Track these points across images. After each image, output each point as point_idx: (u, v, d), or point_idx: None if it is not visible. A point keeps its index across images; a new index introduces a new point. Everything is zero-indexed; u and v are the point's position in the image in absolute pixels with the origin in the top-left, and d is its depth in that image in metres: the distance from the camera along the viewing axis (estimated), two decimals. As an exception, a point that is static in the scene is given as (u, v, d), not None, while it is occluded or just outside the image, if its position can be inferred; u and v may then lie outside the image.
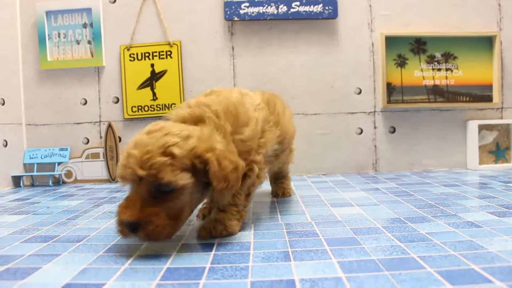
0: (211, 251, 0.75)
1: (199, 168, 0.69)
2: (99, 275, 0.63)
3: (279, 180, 1.24)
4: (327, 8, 1.70)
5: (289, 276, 0.60)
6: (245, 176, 0.80)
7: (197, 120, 0.77)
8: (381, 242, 0.76)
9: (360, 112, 1.74)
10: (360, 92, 1.74)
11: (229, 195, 0.77)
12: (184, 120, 0.77)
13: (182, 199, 0.70)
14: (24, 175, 1.74)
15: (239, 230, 0.84)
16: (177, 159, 0.66)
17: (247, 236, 0.84)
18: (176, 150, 0.67)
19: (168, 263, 0.68)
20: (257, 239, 0.81)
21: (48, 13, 1.75)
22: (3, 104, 1.69)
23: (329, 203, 1.14)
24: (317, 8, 1.70)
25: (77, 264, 0.69)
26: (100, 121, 1.76)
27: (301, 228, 0.89)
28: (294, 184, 1.50)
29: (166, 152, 0.66)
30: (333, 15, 1.70)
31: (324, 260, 0.67)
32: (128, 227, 0.66)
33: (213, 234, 0.80)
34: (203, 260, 0.70)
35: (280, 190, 1.23)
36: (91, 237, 0.87)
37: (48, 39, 1.76)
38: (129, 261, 0.69)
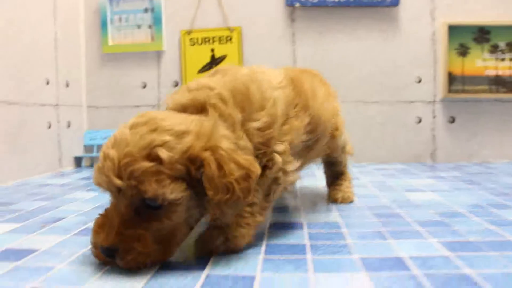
0: (302, 229, 0.75)
1: (196, 175, 0.52)
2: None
3: (335, 180, 1.00)
4: (389, -5, 1.68)
5: (394, 254, 0.61)
6: (264, 168, 0.62)
7: (201, 108, 0.59)
8: (472, 225, 0.75)
9: (419, 101, 1.72)
10: (420, 81, 1.72)
11: (234, 212, 0.57)
12: (184, 109, 0.60)
13: (175, 218, 0.53)
14: (85, 156, 1.77)
15: (248, 242, 0.63)
16: (166, 165, 0.50)
17: (336, 216, 0.85)
18: (163, 154, 0.50)
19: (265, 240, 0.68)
20: (345, 220, 0.81)
21: (110, -2, 1.78)
22: (67, 86, 1.73)
23: (400, 188, 1.14)
24: (379, -5, 1.68)
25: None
26: (158, 105, 1.78)
27: (385, 210, 0.89)
28: (354, 170, 1.50)
29: (151, 155, 0.50)
30: (395, 2, 1.69)
31: (423, 240, 0.67)
32: (103, 252, 0.52)
33: (210, 248, 0.60)
34: (301, 237, 0.70)
35: (339, 194, 0.96)
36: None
37: (110, 23, 1.78)
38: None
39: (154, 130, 0.52)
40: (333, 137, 0.88)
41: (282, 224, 0.78)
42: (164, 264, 0.57)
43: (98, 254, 0.54)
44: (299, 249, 0.64)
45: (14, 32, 1.40)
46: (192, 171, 0.52)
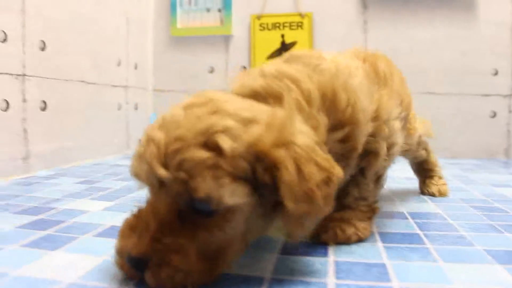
0: (407, 218, 0.73)
1: (263, 177, 0.40)
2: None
3: (424, 174, 0.95)
4: (467, -18, 1.61)
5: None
6: (366, 155, 0.57)
7: (275, 99, 0.47)
8: None
9: (495, 95, 1.66)
10: (496, 73, 1.65)
11: (312, 224, 0.48)
12: (253, 96, 0.48)
13: (229, 229, 0.41)
14: (151, 138, 1.80)
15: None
16: (228, 158, 0.39)
17: (435, 207, 0.82)
18: (226, 143, 0.39)
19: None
20: (446, 212, 0.79)
21: (181, -19, 1.78)
22: (136, 68, 1.75)
23: (486, 183, 1.10)
24: (457, -17, 1.62)
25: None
26: (226, 91, 1.78)
27: (483, 204, 0.86)
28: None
29: (209, 143, 0.39)
30: (473, -10, 1.62)
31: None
32: (130, 262, 0.41)
33: (340, 239, 0.58)
34: (410, 227, 0.69)
35: (434, 188, 0.92)
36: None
37: (180, 6, 1.79)
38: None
39: (215, 113, 0.40)
40: (408, 132, 0.77)
41: (384, 213, 0.76)
42: (283, 249, 0.57)
43: (123, 265, 0.42)
44: (415, 238, 0.62)
45: (89, 14, 1.42)
46: (259, 172, 0.40)
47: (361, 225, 0.59)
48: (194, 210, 0.40)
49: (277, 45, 1.73)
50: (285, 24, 1.72)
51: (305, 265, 0.51)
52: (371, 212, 0.61)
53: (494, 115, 1.66)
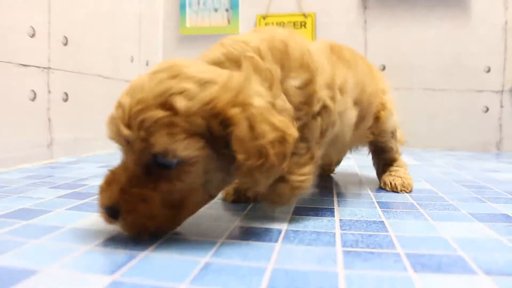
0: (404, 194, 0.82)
1: (218, 133, 0.45)
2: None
3: (388, 167, 0.88)
4: (462, -16, 1.71)
5: (500, 212, 0.67)
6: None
7: (235, 64, 0.52)
8: None
9: (488, 91, 1.75)
10: (488, 71, 1.75)
11: (267, 181, 0.49)
12: (216, 63, 0.52)
13: (188, 180, 0.46)
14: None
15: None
16: (182, 116, 0.43)
17: (424, 184, 0.91)
18: (180, 103, 0.43)
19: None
20: (436, 188, 0.88)
21: (190, -18, 1.88)
22: (147, 64, 1.84)
23: (477, 169, 1.19)
24: (452, -15, 1.71)
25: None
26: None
27: (472, 183, 0.94)
28: (425, 155, 1.55)
29: (166, 104, 0.43)
30: (468, -8, 1.71)
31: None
32: (106, 211, 0.46)
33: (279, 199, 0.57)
34: (406, 198, 0.77)
35: (397, 180, 0.82)
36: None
37: (189, 6, 1.88)
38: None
39: (175, 77, 0.45)
40: (379, 117, 0.80)
41: (380, 189, 0.85)
42: (297, 210, 0.66)
43: (103, 215, 0.47)
44: (410, 205, 0.71)
45: (107, 13, 1.52)
46: (214, 128, 0.44)
47: (299, 178, 0.56)
48: (157, 164, 0.45)
49: (281, 43, 1.82)
50: (289, 24, 1.82)
51: (315, 221, 0.60)
52: (311, 155, 0.58)
53: (487, 110, 1.76)
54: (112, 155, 1.39)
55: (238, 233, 0.54)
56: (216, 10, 1.86)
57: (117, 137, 0.46)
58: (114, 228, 0.52)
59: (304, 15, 1.80)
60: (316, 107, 0.56)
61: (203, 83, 0.45)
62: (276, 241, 0.50)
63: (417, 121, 1.77)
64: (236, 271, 0.40)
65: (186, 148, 0.43)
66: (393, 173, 0.85)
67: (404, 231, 0.55)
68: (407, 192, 0.81)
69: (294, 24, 1.80)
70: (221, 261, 0.43)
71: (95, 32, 1.43)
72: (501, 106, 1.75)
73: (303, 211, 0.66)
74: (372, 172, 0.98)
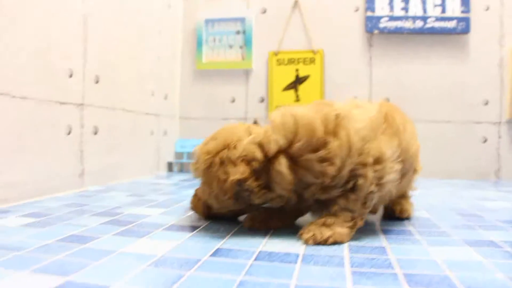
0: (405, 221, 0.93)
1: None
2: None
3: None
4: (460, 24, 1.84)
5: (488, 238, 0.77)
6: (355, 177, 0.70)
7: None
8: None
9: (486, 122, 1.86)
10: (486, 103, 1.86)
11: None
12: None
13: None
14: (176, 162, 2.01)
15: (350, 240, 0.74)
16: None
17: (423, 213, 1.01)
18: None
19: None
20: (433, 216, 0.98)
21: (207, 21, 2.03)
22: (166, 98, 1.97)
23: (473, 198, 1.29)
24: (451, 24, 1.85)
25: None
26: (246, 118, 2.00)
27: (466, 212, 1.04)
28: (426, 184, 1.66)
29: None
30: (466, 30, 1.84)
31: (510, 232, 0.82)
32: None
33: (318, 240, 0.70)
34: (404, 225, 0.87)
35: (397, 206, 0.92)
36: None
37: (205, 43, 2.03)
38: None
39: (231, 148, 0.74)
40: (415, 171, 0.91)
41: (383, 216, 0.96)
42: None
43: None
44: (407, 232, 0.82)
45: (131, 53, 1.66)
46: None
47: (340, 230, 0.71)
48: None
49: (292, 78, 1.96)
50: (299, 60, 1.95)
51: (328, 247, 0.71)
52: (353, 223, 0.72)
53: (485, 140, 1.87)
54: (133, 184, 1.51)
55: (264, 256, 0.65)
56: (231, 46, 2.00)
57: None
58: (158, 251, 0.63)
59: (313, 52, 1.93)
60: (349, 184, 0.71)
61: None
62: (295, 262, 0.61)
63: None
64: (267, 286, 0.51)
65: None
66: (396, 200, 0.92)
67: (402, 254, 0.66)
68: (401, 218, 0.92)
69: (304, 60, 1.93)
70: (253, 278, 0.54)
71: (122, 70, 1.57)
72: (499, 137, 1.85)
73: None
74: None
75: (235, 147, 0.72)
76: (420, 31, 1.85)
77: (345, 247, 0.71)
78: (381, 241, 0.74)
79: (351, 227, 0.72)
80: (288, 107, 0.73)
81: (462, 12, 1.84)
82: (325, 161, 0.68)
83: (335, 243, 0.70)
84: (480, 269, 0.59)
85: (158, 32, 1.85)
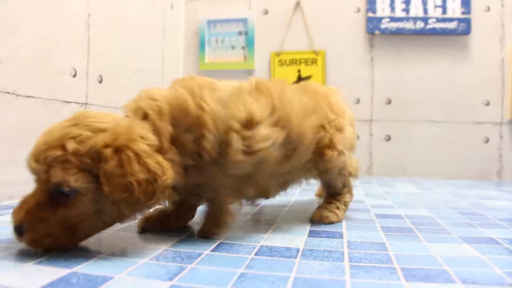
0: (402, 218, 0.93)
1: (98, 170, 0.56)
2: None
3: (327, 199, 0.91)
4: (461, 25, 1.85)
5: (487, 235, 0.78)
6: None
7: (143, 116, 0.64)
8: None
9: (487, 122, 1.87)
10: (488, 104, 1.87)
11: (132, 213, 0.61)
12: (133, 115, 0.65)
13: (81, 207, 0.57)
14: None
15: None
16: (73, 156, 0.55)
17: (425, 211, 1.02)
18: (70, 145, 0.55)
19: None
20: (434, 214, 0.99)
21: (209, 22, 2.04)
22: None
23: (474, 197, 1.30)
24: (452, 25, 1.86)
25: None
26: (248, 117, 2.01)
27: (467, 210, 1.05)
28: (427, 184, 1.67)
29: (63, 145, 0.55)
30: (466, 31, 1.85)
31: (509, 229, 0.83)
32: (15, 230, 0.57)
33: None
34: (404, 222, 0.88)
35: (316, 213, 0.87)
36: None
37: (208, 44, 2.04)
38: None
39: (75, 125, 0.57)
40: (324, 154, 0.80)
41: (386, 215, 0.97)
42: (311, 233, 0.78)
43: (14, 233, 0.57)
44: (408, 230, 0.83)
45: (135, 53, 1.67)
46: (96, 166, 0.55)
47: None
48: (59, 193, 0.55)
49: (294, 78, 1.97)
50: (301, 60, 1.96)
51: (327, 242, 0.72)
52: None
53: (487, 140, 1.88)
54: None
55: (265, 250, 0.66)
56: (233, 47, 2.01)
57: (30, 169, 0.57)
58: (162, 246, 0.64)
59: (315, 53, 1.94)
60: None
61: (97, 131, 0.57)
62: (295, 257, 0.62)
63: (420, 151, 1.89)
64: (266, 279, 0.52)
65: (76, 181, 0.55)
66: (324, 205, 0.89)
67: (401, 250, 0.67)
68: (319, 223, 0.84)
69: (306, 60, 1.94)
70: (253, 271, 0.55)
71: (124, 70, 1.58)
72: (501, 137, 1.86)
73: (316, 233, 0.77)
74: (377, 200, 1.10)
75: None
76: (421, 32, 1.86)
77: (345, 242, 0.72)
78: (381, 237, 0.75)
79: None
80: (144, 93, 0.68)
81: (463, 13, 1.85)
82: (199, 138, 0.64)
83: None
84: (478, 264, 0.60)
85: (161, 33, 1.86)
